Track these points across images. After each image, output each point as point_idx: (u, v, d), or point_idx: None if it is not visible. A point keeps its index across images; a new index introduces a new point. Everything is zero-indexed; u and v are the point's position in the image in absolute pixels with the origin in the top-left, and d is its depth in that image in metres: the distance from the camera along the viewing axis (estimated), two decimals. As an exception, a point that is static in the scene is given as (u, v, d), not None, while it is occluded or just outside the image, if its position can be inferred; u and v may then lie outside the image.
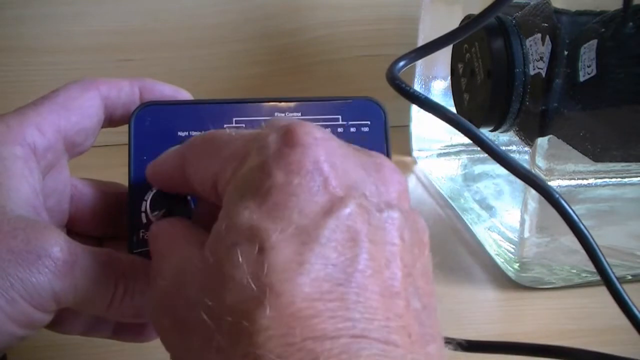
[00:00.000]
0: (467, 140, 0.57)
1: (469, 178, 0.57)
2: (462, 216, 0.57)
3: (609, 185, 0.47)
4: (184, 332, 0.23)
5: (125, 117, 0.33)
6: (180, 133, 0.32)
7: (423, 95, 0.37)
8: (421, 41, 0.62)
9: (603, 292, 0.37)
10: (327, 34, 0.69)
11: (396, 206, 0.24)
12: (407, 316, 0.22)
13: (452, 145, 0.60)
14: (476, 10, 0.48)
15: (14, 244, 0.26)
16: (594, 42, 0.40)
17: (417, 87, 0.64)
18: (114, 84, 0.33)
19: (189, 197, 0.30)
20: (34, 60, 0.64)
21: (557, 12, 0.42)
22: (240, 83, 0.69)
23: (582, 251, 0.35)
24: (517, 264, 0.49)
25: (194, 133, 0.32)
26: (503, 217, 0.51)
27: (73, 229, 0.34)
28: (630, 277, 0.49)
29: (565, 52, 0.42)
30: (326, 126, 0.32)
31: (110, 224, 0.34)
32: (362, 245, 0.22)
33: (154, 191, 0.30)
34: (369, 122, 0.33)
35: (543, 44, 0.43)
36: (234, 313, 0.21)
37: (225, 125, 0.32)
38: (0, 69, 0.64)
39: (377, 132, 0.33)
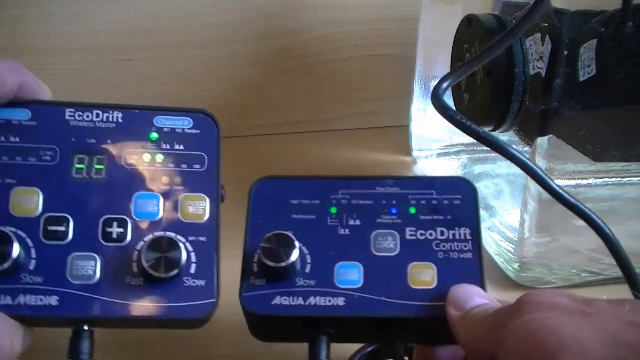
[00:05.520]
0: (466, 141, 0.57)
1: (469, 178, 0.57)
2: (462, 216, 0.56)
3: (609, 185, 0.47)
4: None
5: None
6: (293, 201, 0.37)
7: (465, 119, 0.38)
8: (421, 41, 0.62)
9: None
10: (327, 34, 0.69)
11: None
12: None
13: (452, 145, 0.60)
14: (476, 10, 0.48)
15: None
16: (594, 42, 0.40)
17: (417, 87, 0.64)
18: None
19: (298, 245, 0.34)
20: (34, 60, 0.64)
21: (557, 12, 0.42)
22: (240, 83, 0.69)
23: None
24: (517, 264, 0.49)
25: (304, 202, 0.37)
26: (503, 217, 0.51)
27: None
28: (630, 277, 0.49)
29: (565, 52, 0.41)
30: (422, 199, 0.37)
31: None
32: None
33: (264, 247, 0.34)
34: (460, 197, 0.37)
35: (543, 44, 0.43)
36: None
37: (332, 196, 0.37)
38: (0, 69, 0.64)
39: (468, 205, 0.37)
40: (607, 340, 0.25)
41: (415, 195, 0.37)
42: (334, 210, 0.37)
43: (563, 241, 0.48)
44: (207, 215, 0.35)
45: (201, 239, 0.35)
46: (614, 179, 0.47)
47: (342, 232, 0.36)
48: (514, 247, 0.49)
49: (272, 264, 0.34)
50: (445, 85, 0.39)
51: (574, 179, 0.46)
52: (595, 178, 0.47)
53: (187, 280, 0.34)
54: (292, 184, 0.37)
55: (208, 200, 0.35)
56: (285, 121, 0.71)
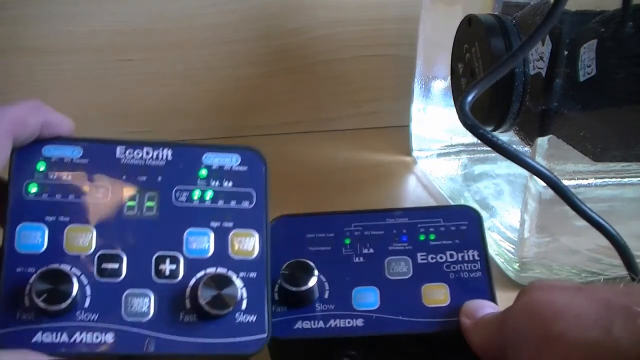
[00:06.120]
0: (467, 141, 0.57)
1: (469, 178, 0.57)
2: (462, 216, 0.56)
3: (609, 185, 0.47)
4: None
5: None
6: (308, 235, 0.39)
7: (495, 137, 0.39)
8: (421, 41, 0.62)
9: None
10: (327, 34, 0.69)
11: None
12: None
13: (452, 145, 0.60)
14: (476, 10, 0.48)
15: None
16: (594, 42, 0.40)
17: (417, 87, 0.64)
18: (22, 125, 0.33)
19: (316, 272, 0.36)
20: (35, 60, 0.64)
21: (557, 12, 0.42)
22: (240, 83, 0.69)
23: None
24: (517, 264, 0.49)
25: (319, 235, 0.39)
26: (503, 217, 0.51)
27: None
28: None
29: (565, 52, 0.42)
30: (430, 226, 0.39)
31: None
32: None
33: (284, 273, 0.36)
34: (466, 222, 0.39)
35: (543, 44, 0.43)
36: None
37: (345, 229, 0.39)
38: (0, 69, 0.64)
39: (474, 229, 0.39)
40: (600, 306, 0.27)
41: (424, 223, 0.39)
42: (347, 241, 0.39)
43: (563, 241, 0.48)
44: (257, 251, 0.36)
45: (251, 274, 0.35)
46: (614, 179, 0.47)
47: (356, 260, 0.38)
48: (514, 247, 0.49)
49: (292, 289, 0.36)
50: (470, 98, 0.40)
51: (574, 179, 0.46)
52: (595, 178, 0.47)
53: (239, 315, 0.34)
54: (307, 221, 0.40)
55: (257, 236, 0.36)
56: (285, 121, 0.71)
